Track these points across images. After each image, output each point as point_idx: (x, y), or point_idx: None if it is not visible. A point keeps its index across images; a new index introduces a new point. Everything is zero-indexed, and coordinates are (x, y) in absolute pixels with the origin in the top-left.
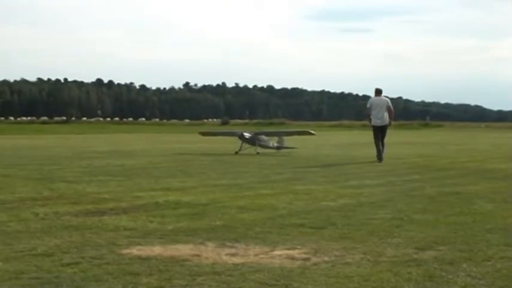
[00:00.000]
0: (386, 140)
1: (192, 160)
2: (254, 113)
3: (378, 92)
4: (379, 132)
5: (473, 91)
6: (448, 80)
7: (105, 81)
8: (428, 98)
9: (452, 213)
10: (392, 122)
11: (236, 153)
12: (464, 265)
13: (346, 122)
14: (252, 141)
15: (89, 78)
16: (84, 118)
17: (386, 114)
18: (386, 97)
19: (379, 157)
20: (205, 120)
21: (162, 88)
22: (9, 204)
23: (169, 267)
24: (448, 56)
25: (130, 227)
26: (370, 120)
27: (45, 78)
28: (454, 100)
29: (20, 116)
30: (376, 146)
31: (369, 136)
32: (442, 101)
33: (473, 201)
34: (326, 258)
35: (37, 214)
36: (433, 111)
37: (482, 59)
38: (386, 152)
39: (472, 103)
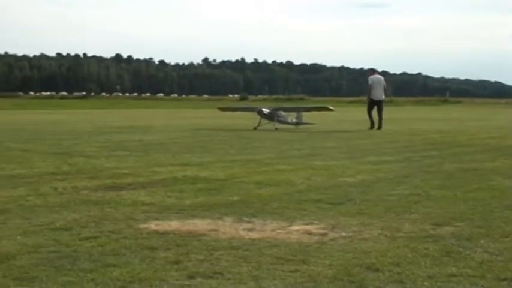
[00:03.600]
0: (383, 112)
1: (211, 135)
2: (273, 89)
3: (374, 71)
4: (376, 105)
5: (493, 67)
6: (468, 56)
7: (124, 56)
8: (448, 74)
9: (470, 189)
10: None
11: (255, 128)
12: (482, 241)
13: (365, 98)
14: (270, 117)
15: (108, 53)
16: (103, 93)
17: (382, 91)
18: (382, 76)
19: (373, 125)
20: (225, 96)
21: (181, 64)
22: (28, 179)
23: (186, 242)
24: (468, 31)
25: (148, 202)
26: (369, 95)
27: (65, 54)
28: (474, 76)
29: (39, 91)
30: (370, 117)
31: (386, 112)
32: (462, 77)
33: (492, 178)
34: (343, 234)
35: (56, 188)
36: (453, 87)
37: (503, 34)
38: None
39: (492, 79)
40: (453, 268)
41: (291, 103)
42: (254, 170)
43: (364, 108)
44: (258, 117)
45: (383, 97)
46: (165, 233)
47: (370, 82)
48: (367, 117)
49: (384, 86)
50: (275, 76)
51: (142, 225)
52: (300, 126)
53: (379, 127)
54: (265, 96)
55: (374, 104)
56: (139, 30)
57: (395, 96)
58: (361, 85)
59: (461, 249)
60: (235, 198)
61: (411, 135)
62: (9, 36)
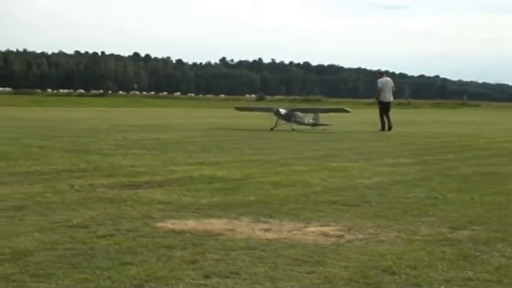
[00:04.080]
0: (391, 113)
1: (227, 135)
2: (290, 89)
3: (383, 74)
4: (385, 107)
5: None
6: (487, 59)
7: (142, 55)
8: (466, 77)
9: (488, 193)
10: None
11: (271, 129)
12: (499, 245)
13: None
14: (287, 118)
15: (126, 51)
16: (121, 92)
17: (391, 93)
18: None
19: (384, 127)
20: (241, 96)
21: (198, 63)
22: (45, 176)
23: (203, 241)
24: (487, 33)
25: (164, 200)
26: (378, 97)
27: (83, 51)
28: (492, 79)
29: (57, 89)
30: (382, 119)
31: (403, 114)
32: (480, 81)
33: (509, 182)
34: (360, 236)
35: (73, 186)
36: (470, 90)
37: None
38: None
39: (510, 83)
40: (470, 272)
41: (308, 104)
42: (270, 171)
43: (375, 111)
44: (275, 117)
45: (392, 99)
46: (181, 232)
47: (379, 85)
48: (379, 119)
49: (392, 88)
50: (292, 77)
51: (158, 224)
52: (317, 128)
53: (390, 128)
54: (282, 97)
55: (383, 105)
56: (157, 29)
57: (413, 98)
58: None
59: (478, 253)
60: (252, 198)
61: (428, 138)
62: (27, 34)
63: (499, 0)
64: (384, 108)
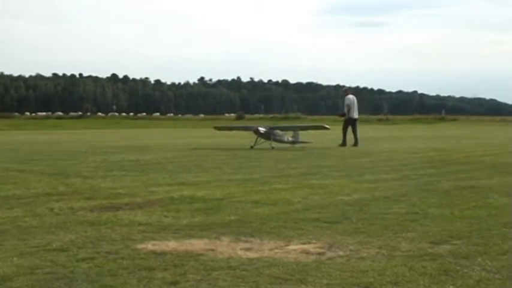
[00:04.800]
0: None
1: (207, 155)
2: (269, 108)
3: (348, 90)
4: (354, 124)
5: (488, 85)
6: (463, 74)
7: (120, 76)
8: (443, 92)
9: (467, 207)
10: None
11: (251, 147)
12: (480, 259)
13: (361, 116)
14: (267, 136)
15: (104, 73)
16: (100, 113)
17: (357, 110)
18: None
19: (346, 143)
20: (221, 115)
21: (177, 83)
22: (24, 200)
23: (184, 262)
24: (463, 49)
25: (145, 222)
26: (348, 113)
27: (61, 74)
28: (469, 94)
29: (35, 111)
30: (345, 134)
31: (383, 130)
32: (457, 95)
33: (489, 195)
34: (341, 253)
35: (52, 209)
36: (448, 105)
37: (498, 52)
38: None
39: (487, 97)
40: (451, 286)
41: (288, 122)
42: (251, 189)
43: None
44: (255, 136)
45: (358, 116)
46: (162, 253)
47: (349, 102)
48: (343, 134)
49: (357, 105)
50: (271, 95)
51: (139, 246)
52: (297, 145)
53: (356, 144)
54: (262, 115)
55: (351, 122)
56: (135, 50)
57: (392, 114)
58: (357, 104)
59: (458, 268)
60: (233, 217)
61: (408, 154)
62: (4, 57)
63: (475, 18)
64: (352, 125)
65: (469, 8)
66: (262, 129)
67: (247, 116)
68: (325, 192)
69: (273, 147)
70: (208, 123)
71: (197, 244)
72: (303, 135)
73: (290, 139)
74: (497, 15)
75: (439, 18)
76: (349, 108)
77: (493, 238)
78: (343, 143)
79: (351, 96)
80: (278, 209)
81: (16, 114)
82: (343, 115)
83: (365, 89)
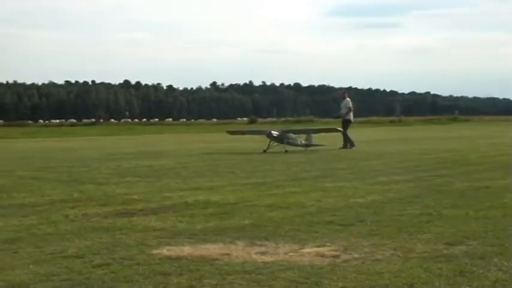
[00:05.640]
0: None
1: (220, 159)
2: (282, 111)
3: (345, 93)
4: (348, 126)
5: (502, 84)
6: (476, 74)
7: (133, 82)
8: (457, 93)
9: (482, 207)
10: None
11: (264, 151)
12: (495, 260)
13: (374, 118)
14: (280, 139)
15: (116, 79)
16: (112, 120)
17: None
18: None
19: (352, 144)
20: (233, 119)
21: (189, 88)
22: (39, 207)
23: (199, 267)
24: (476, 49)
25: (159, 227)
26: (347, 115)
27: (73, 81)
28: (482, 94)
29: (48, 119)
30: (349, 137)
31: (396, 132)
32: (470, 95)
33: (503, 195)
34: (356, 255)
35: (67, 216)
36: (461, 105)
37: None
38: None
39: (501, 96)
40: (467, 287)
41: (300, 125)
42: (265, 193)
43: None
44: (268, 139)
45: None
46: (177, 258)
47: (351, 104)
48: (347, 137)
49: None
50: (283, 98)
51: (154, 251)
52: (310, 148)
53: (345, 146)
54: (274, 119)
55: (349, 124)
56: (147, 56)
57: (404, 115)
58: (370, 106)
59: (474, 269)
60: (247, 221)
61: (421, 155)
62: (17, 66)
63: (487, 18)
64: (347, 127)
65: (480, 8)
66: (275, 133)
67: (260, 119)
68: (338, 194)
69: (286, 151)
70: (221, 128)
71: (212, 249)
72: (316, 138)
73: (303, 142)
74: (510, 16)
75: (450, 18)
76: (351, 110)
77: (509, 238)
78: (352, 144)
79: (349, 99)
80: (292, 213)
81: (30, 122)
82: (339, 117)
83: (377, 90)
